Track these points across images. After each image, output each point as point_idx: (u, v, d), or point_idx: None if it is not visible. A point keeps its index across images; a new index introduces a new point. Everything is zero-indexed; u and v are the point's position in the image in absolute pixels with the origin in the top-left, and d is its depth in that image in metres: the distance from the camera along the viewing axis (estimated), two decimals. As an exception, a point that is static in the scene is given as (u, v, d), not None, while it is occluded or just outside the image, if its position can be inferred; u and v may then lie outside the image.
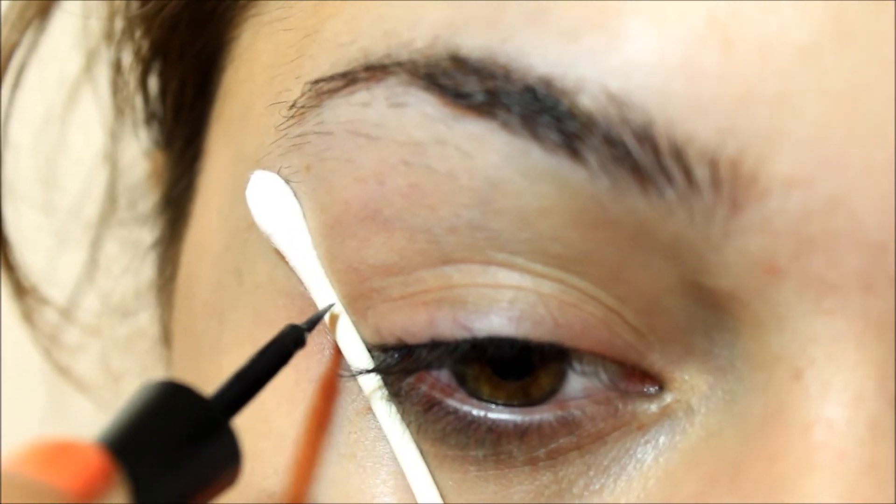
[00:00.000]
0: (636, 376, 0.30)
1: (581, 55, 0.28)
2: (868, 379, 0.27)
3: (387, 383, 0.31)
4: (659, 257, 0.28)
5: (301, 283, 0.32)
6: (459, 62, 0.28)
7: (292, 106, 0.31)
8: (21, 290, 0.49)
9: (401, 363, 0.31)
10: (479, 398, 0.30)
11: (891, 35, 0.27)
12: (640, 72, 0.27)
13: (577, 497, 0.30)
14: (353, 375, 0.31)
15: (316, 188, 0.31)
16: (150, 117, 0.44)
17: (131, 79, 0.43)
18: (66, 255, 0.53)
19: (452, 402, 0.30)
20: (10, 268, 0.48)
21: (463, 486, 0.30)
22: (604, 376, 0.30)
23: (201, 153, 0.38)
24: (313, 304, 0.32)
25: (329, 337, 0.32)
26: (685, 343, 0.29)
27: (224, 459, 0.29)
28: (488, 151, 0.28)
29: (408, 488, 0.30)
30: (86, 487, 0.25)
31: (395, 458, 0.31)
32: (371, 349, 0.31)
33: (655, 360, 0.30)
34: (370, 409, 0.31)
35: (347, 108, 0.30)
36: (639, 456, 0.30)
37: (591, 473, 0.30)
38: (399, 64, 0.29)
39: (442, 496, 0.30)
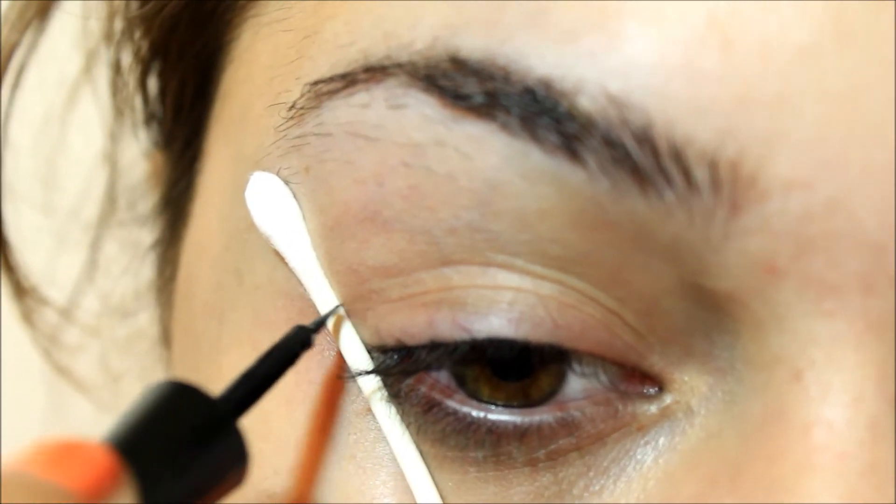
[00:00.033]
0: (636, 377, 0.30)
1: (580, 56, 0.28)
2: (868, 380, 0.27)
3: (386, 384, 0.31)
4: (658, 259, 0.28)
5: (300, 284, 0.32)
6: (459, 64, 0.28)
7: (292, 107, 0.31)
8: (21, 291, 0.49)
9: (400, 364, 0.31)
10: (479, 399, 0.30)
11: (891, 35, 0.27)
12: (640, 72, 0.27)
13: (576, 498, 0.30)
14: (353, 377, 0.31)
15: (315, 189, 0.31)
16: (149, 118, 0.44)
17: (131, 79, 0.43)
18: (65, 255, 0.53)
19: (452, 404, 0.30)
20: (10, 268, 0.48)
21: (463, 487, 0.30)
22: (603, 377, 0.30)
23: (201, 154, 0.38)
24: (313, 306, 0.32)
25: (329, 338, 0.32)
26: (685, 344, 0.29)
27: (231, 460, 0.29)
28: (488, 153, 0.28)
29: (407, 489, 0.30)
30: (93, 487, 0.25)
31: (394, 460, 0.31)
32: (370, 350, 0.31)
33: (655, 362, 0.30)
34: (370, 410, 0.31)
35: (347, 110, 0.30)
36: (638, 457, 0.30)
37: (591, 474, 0.30)
38: (399, 65, 0.29)
39: (442, 497, 0.30)
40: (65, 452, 0.26)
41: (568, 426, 0.30)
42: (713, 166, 0.27)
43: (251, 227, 0.33)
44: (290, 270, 0.32)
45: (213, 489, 0.29)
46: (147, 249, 0.48)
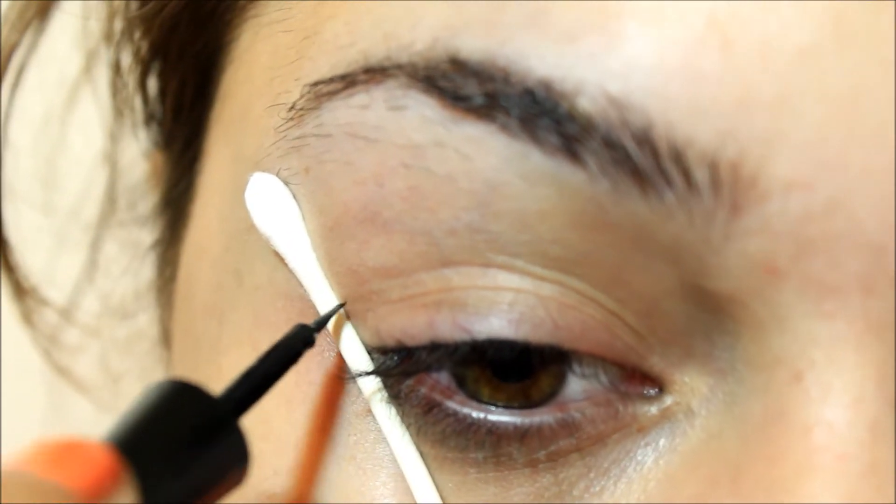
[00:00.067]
0: (636, 378, 0.30)
1: (580, 57, 0.28)
2: (868, 381, 0.27)
3: (386, 385, 0.31)
4: (659, 260, 0.28)
5: (300, 285, 0.32)
6: (459, 65, 0.28)
7: (291, 108, 0.31)
8: (21, 291, 0.49)
9: (400, 365, 0.31)
10: (479, 400, 0.30)
11: (891, 36, 0.27)
12: (640, 74, 0.27)
13: (577, 499, 0.30)
14: (353, 377, 0.31)
15: (315, 190, 0.31)
16: (149, 118, 0.44)
17: (131, 80, 0.43)
18: (65, 255, 0.53)
19: (452, 404, 0.30)
20: (10, 268, 0.48)
21: (463, 488, 0.30)
22: (604, 378, 0.30)
23: (201, 154, 0.38)
24: (313, 307, 0.32)
25: (329, 339, 0.32)
26: (685, 345, 0.29)
27: (231, 459, 0.29)
28: (487, 154, 0.28)
29: (408, 490, 0.30)
30: (94, 487, 0.25)
31: (394, 461, 0.31)
32: (370, 351, 0.31)
33: (655, 363, 0.30)
34: (370, 411, 0.31)
35: (346, 111, 0.30)
36: (639, 458, 0.30)
37: (592, 475, 0.30)
38: (398, 66, 0.29)
39: (442, 498, 0.30)
40: (65, 452, 0.26)
41: (568, 427, 0.30)
42: (713, 167, 0.27)
43: (251, 227, 0.33)
44: (290, 271, 0.32)
45: (213, 489, 0.29)
46: (147, 250, 0.48)
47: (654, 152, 0.27)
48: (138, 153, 0.48)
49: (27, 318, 0.51)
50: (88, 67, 0.49)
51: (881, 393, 0.27)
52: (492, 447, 0.30)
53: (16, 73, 0.45)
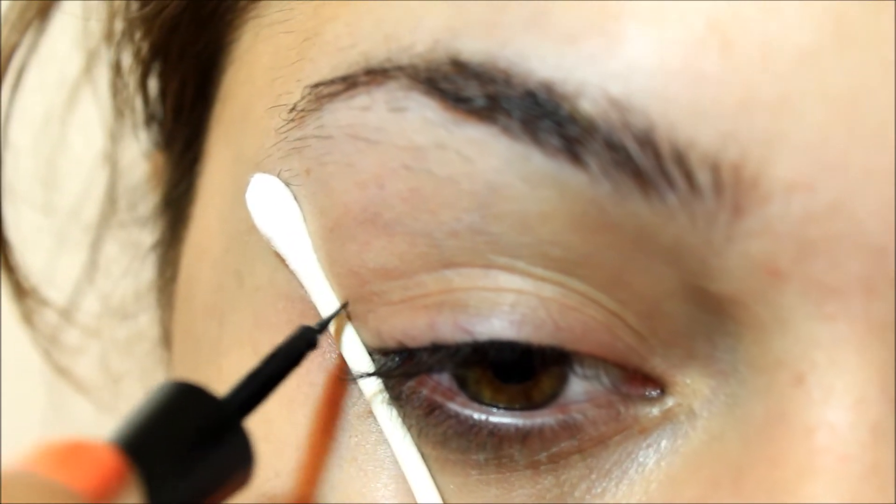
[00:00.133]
0: (638, 380, 0.30)
1: (581, 59, 0.27)
2: (870, 382, 0.27)
3: (388, 387, 0.31)
4: (660, 261, 0.28)
5: (301, 286, 0.32)
6: (460, 66, 0.28)
7: (292, 109, 0.31)
8: (21, 292, 0.49)
9: (402, 367, 0.31)
10: (481, 402, 0.30)
11: (892, 37, 0.27)
12: (641, 75, 0.27)
13: (578, 500, 0.30)
14: (354, 379, 0.31)
15: (316, 192, 0.31)
16: (149, 119, 0.44)
17: (131, 80, 0.43)
18: (65, 256, 0.53)
19: (453, 406, 0.30)
20: (10, 269, 0.48)
21: (464, 489, 0.30)
22: (605, 380, 0.30)
23: (201, 155, 0.38)
24: (313, 308, 0.32)
25: (330, 341, 0.32)
26: (687, 347, 0.29)
27: (236, 460, 0.29)
28: (489, 156, 0.28)
29: (409, 492, 0.30)
30: (99, 487, 0.25)
31: (396, 462, 0.31)
32: (372, 353, 0.31)
33: (657, 364, 0.30)
34: (371, 412, 0.31)
35: (347, 112, 0.30)
36: (640, 459, 0.30)
37: (593, 477, 0.30)
38: (399, 68, 0.29)
39: (443, 500, 0.30)
40: (71, 453, 0.26)
41: (570, 428, 0.30)
42: (715, 169, 0.27)
43: (252, 228, 0.33)
44: (291, 272, 0.32)
45: (218, 489, 0.29)
46: (147, 251, 0.48)
47: (656, 154, 0.27)
48: (139, 154, 0.48)
49: (27, 318, 0.51)
50: (89, 68, 0.49)
51: (883, 394, 0.27)
52: (493, 449, 0.30)
53: (16, 73, 0.45)
